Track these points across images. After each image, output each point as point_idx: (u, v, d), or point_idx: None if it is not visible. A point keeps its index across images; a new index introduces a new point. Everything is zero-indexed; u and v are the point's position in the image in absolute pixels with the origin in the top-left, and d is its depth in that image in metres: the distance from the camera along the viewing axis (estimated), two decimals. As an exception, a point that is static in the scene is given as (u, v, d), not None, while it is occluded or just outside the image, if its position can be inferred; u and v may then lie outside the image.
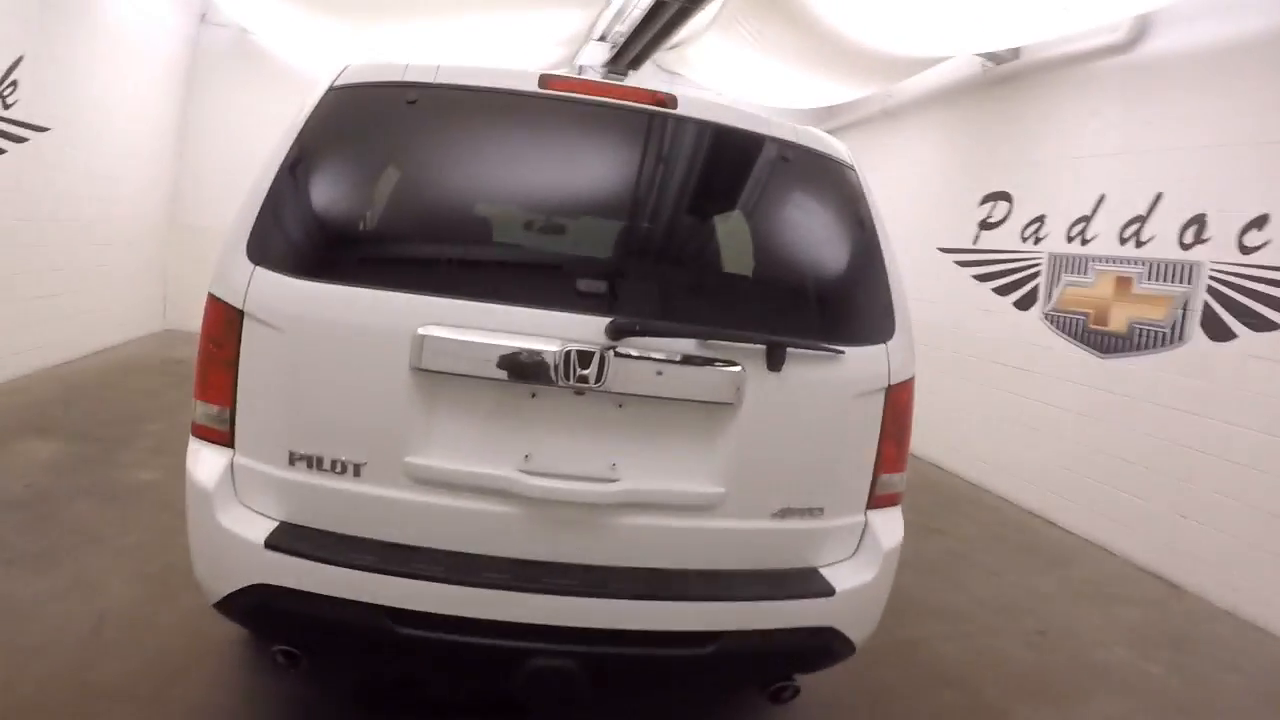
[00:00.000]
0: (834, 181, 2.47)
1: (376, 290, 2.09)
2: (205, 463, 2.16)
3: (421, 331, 2.02)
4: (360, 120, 2.30)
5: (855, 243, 2.43)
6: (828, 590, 2.22)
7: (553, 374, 2.03)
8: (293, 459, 2.10)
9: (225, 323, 2.12)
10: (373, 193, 2.27)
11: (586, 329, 2.06)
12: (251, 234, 2.15)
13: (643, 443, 2.17)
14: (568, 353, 2.03)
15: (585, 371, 2.03)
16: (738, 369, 2.13)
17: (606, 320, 2.06)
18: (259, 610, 2.10)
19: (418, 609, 2.01)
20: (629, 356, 2.06)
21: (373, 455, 2.09)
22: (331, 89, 2.30)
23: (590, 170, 2.40)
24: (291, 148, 2.22)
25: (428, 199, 2.27)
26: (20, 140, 5.71)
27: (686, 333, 2.12)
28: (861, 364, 2.27)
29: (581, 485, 2.12)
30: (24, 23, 5.58)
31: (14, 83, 5.51)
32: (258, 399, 2.12)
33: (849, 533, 2.35)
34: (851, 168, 2.49)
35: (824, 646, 2.27)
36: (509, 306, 2.08)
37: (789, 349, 2.16)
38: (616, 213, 2.39)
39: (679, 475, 2.18)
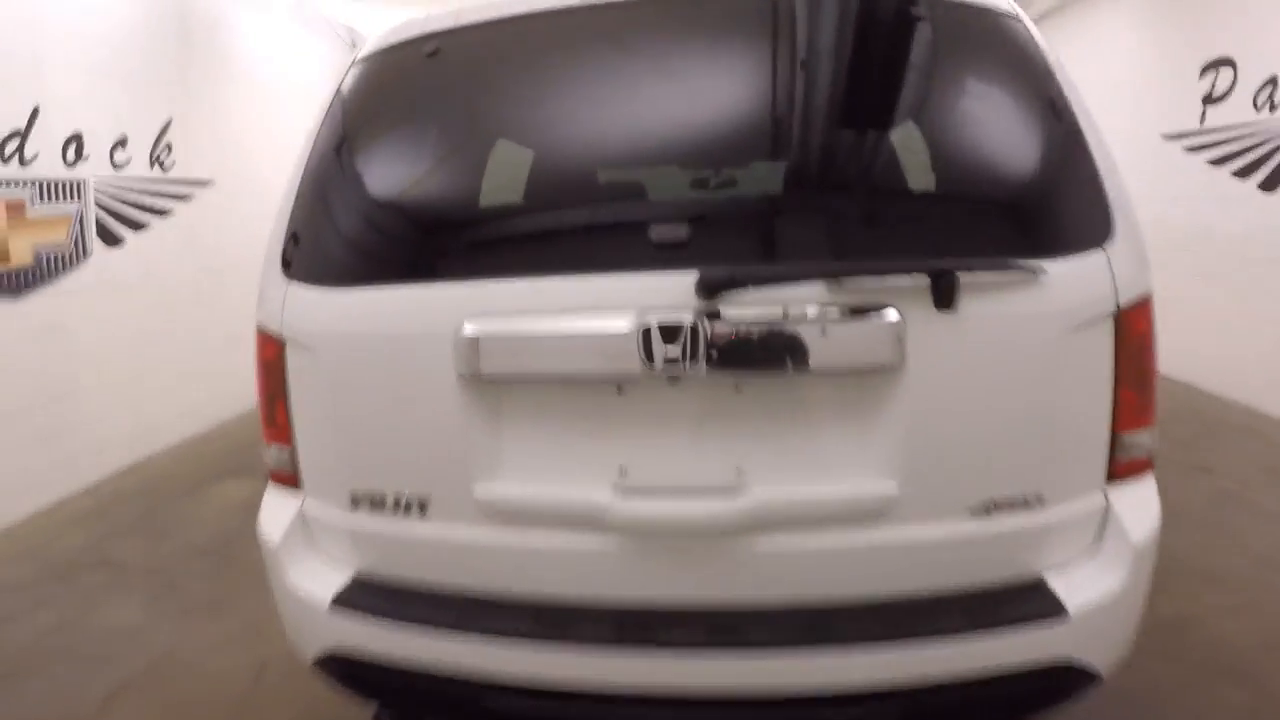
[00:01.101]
0: (991, 37, 1.82)
1: (405, 286, 1.74)
2: (273, 512, 1.94)
3: (463, 330, 1.65)
4: (382, 91, 1.98)
5: (1034, 112, 1.76)
6: (1057, 610, 1.62)
7: (633, 360, 1.57)
8: (355, 500, 1.82)
9: (271, 353, 1.86)
10: (398, 169, 1.92)
11: (669, 292, 1.58)
12: (285, 246, 1.89)
13: (775, 435, 1.67)
14: (645, 330, 1.56)
15: (673, 350, 1.55)
16: (893, 316, 1.56)
17: (693, 276, 1.57)
18: (345, 676, 1.84)
19: (505, 673, 1.66)
20: (733, 321, 1.57)
21: (437, 489, 1.75)
22: (353, 64, 2.02)
23: (653, 88, 1.88)
24: (316, 139, 1.95)
25: (457, 163, 1.88)
26: (185, 198, 5.95)
27: (806, 274, 1.58)
28: (1072, 282, 1.61)
29: (697, 503, 1.64)
30: (167, 86, 5.79)
31: (168, 145, 5.73)
32: (313, 434, 1.86)
33: (1083, 522, 1.72)
34: (1014, 17, 1.85)
35: (1055, 687, 1.68)
36: (563, 278, 1.65)
37: (961, 275, 1.55)
38: (691, 137, 1.83)
39: (830, 473, 1.66)
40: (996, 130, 1.78)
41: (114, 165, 5.24)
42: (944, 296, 1.55)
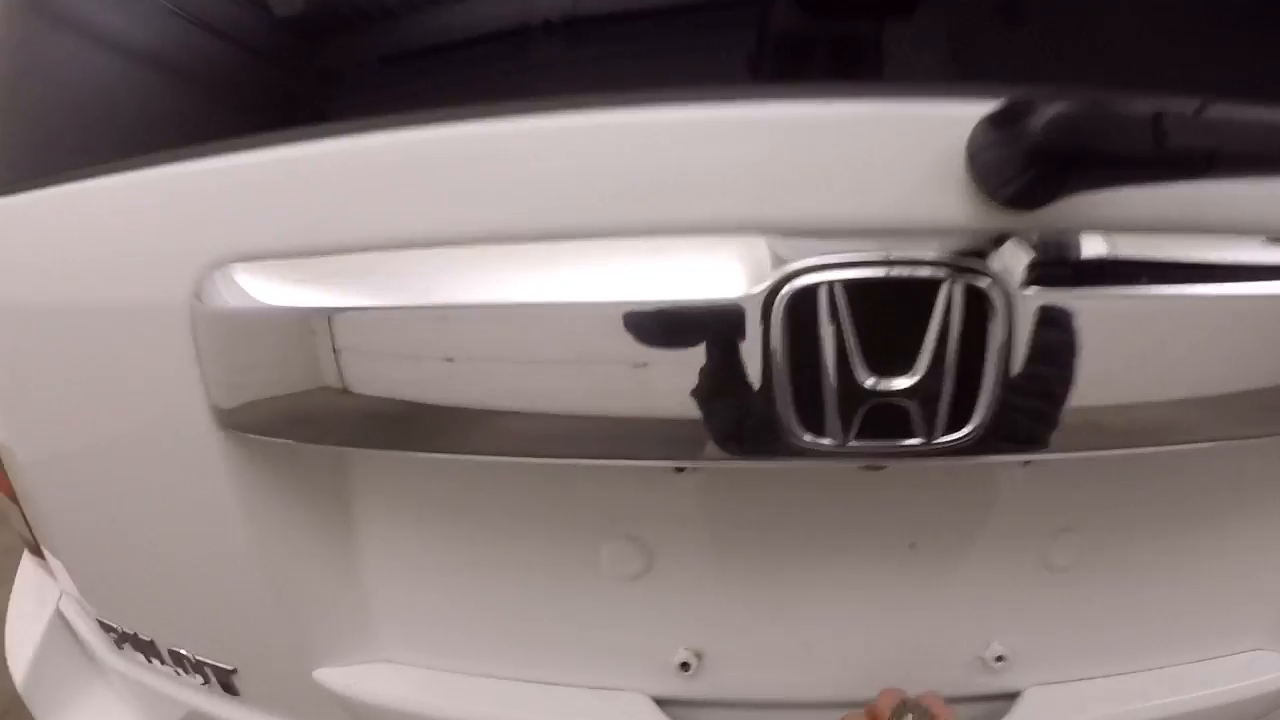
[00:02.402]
0: None
1: (113, 176, 0.69)
2: (22, 608, 1.12)
3: (219, 287, 0.64)
4: None
5: None
6: None
7: (757, 418, 0.57)
8: (115, 637, 0.93)
9: None
10: None
11: (891, 173, 0.55)
12: None
13: (1085, 569, 0.76)
14: (793, 303, 0.54)
15: (901, 381, 0.56)
16: None
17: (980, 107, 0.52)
18: None
19: None
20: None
21: (242, 656, 0.85)
22: None
23: None
24: None
25: None
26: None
27: None
28: None
29: None
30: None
31: None
32: (26, 490, 0.95)
33: None
34: None
35: None
36: (545, 114, 0.58)
37: None
38: None
39: (1197, 640, 0.79)
40: None
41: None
42: None
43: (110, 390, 0.75)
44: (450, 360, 0.59)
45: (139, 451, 0.77)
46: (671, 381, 0.57)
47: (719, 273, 0.55)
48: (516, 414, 0.59)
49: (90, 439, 0.80)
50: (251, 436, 0.69)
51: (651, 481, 0.71)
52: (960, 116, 0.53)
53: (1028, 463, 0.70)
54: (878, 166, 0.55)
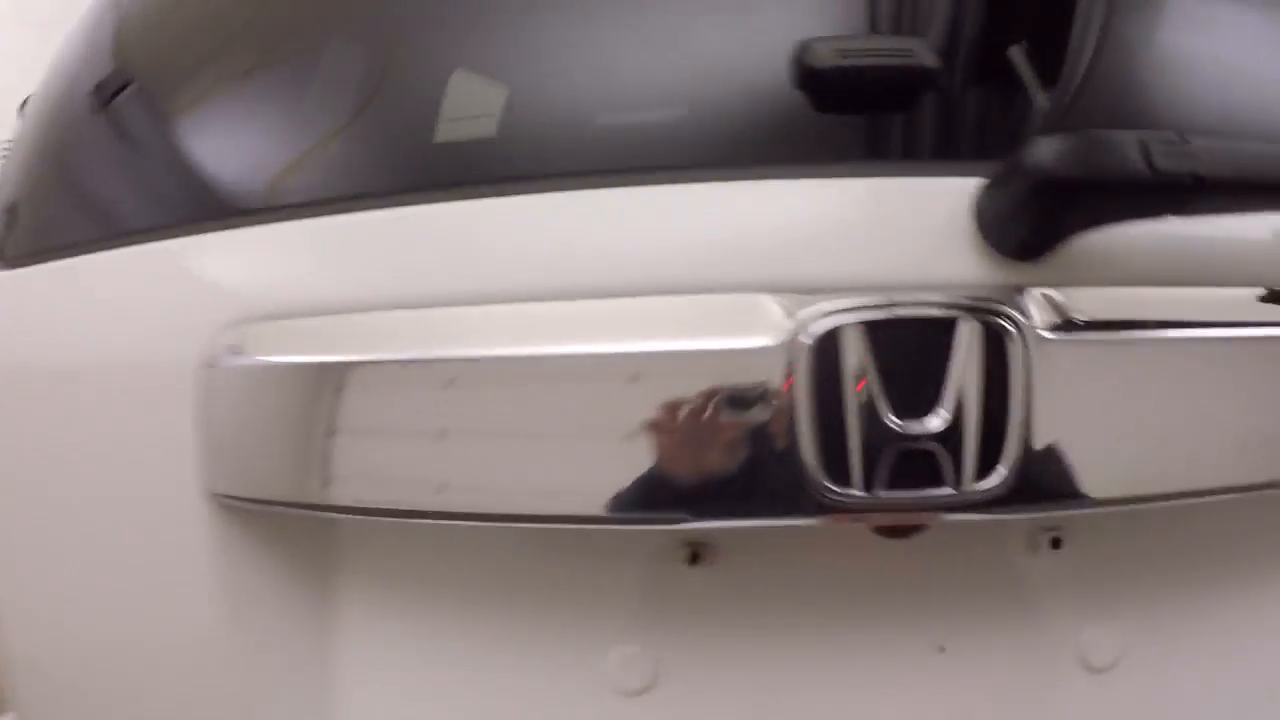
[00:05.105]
0: None
1: (122, 249, 0.67)
2: None
3: (223, 350, 0.60)
4: None
5: None
6: None
7: (786, 469, 0.54)
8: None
9: None
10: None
11: (908, 222, 0.58)
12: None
13: (1140, 667, 0.67)
14: (819, 350, 0.54)
15: (934, 420, 0.54)
16: None
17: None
18: None
19: None
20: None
21: None
22: None
23: None
24: None
25: None
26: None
27: None
28: None
29: None
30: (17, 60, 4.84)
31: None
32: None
33: None
34: None
35: None
36: (556, 193, 0.61)
37: None
38: None
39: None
40: None
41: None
42: None
43: (90, 457, 0.69)
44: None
45: (117, 538, 0.67)
46: (685, 437, 0.55)
47: (754, 335, 0.54)
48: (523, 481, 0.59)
49: (63, 514, 0.71)
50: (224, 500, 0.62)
51: (666, 570, 0.64)
52: (966, 186, 0.56)
53: (1056, 543, 0.64)
54: (898, 228, 0.57)
